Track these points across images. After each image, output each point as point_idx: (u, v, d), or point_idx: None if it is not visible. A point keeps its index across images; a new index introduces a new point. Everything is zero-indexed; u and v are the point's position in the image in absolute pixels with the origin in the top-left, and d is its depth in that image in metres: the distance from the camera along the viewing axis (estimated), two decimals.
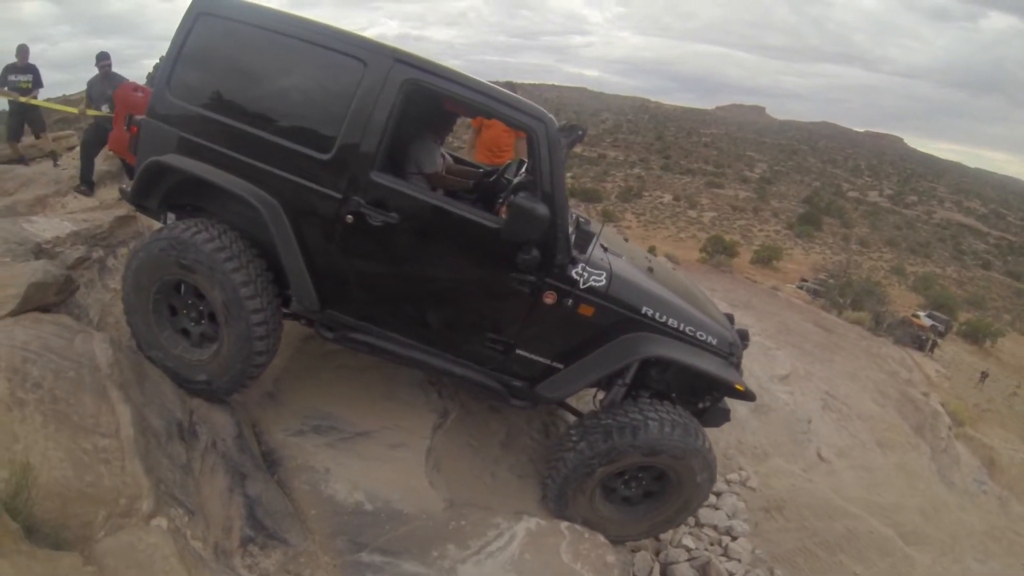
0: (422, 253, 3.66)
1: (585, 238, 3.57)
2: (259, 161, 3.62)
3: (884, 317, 28.03)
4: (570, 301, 3.63)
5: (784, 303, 24.70)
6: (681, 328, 3.81)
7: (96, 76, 7.29)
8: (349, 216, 3.56)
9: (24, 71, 8.44)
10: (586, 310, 3.67)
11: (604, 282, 3.66)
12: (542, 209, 3.30)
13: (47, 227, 5.66)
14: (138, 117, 3.93)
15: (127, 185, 4.32)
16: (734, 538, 5.89)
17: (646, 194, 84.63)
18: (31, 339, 3.21)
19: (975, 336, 40.42)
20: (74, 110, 7.70)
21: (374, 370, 4.49)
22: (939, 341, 31.86)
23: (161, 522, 2.76)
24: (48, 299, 3.88)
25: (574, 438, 3.84)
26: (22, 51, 8.41)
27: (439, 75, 3.57)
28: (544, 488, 4.08)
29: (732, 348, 4.00)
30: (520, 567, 3.47)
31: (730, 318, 4.49)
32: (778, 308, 22.15)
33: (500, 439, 4.52)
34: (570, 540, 3.68)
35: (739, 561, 5.69)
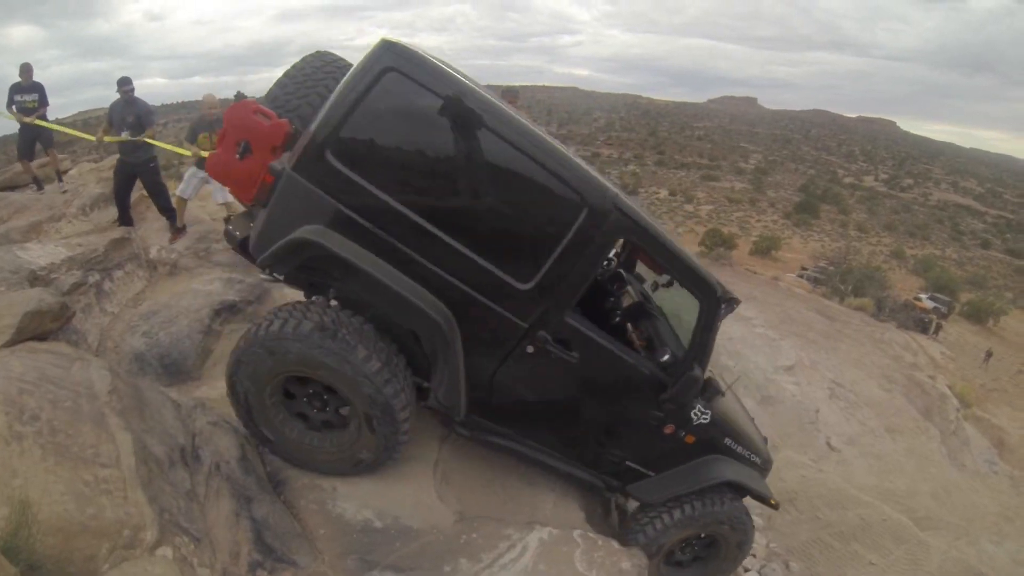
0: (585, 386, 3.90)
1: (712, 387, 4.07)
2: (442, 269, 3.36)
3: (886, 302, 28.05)
4: (683, 433, 4.19)
5: (785, 293, 24.71)
6: (745, 454, 4.49)
7: (118, 101, 7.15)
8: (530, 347, 3.59)
9: (30, 90, 8.28)
10: (690, 439, 4.23)
11: (708, 420, 4.20)
12: (701, 377, 3.90)
13: (42, 254, 5.63)
14: (279, 167, 3.35)
15: (233, 226, 3.92)
16: None
17: (642, 190, 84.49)
18: (28, 370, 3.15)
19: (978, 316, 40.27)
20: (91, 137, 7.53)
21: None
22: (942, 323, 31.77)
23: (166, 552, 2.71)
24: (44, 327, 3.84)
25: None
26: (26, 70, 8.24)
27: (648, 234, 3.67)
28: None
29: (767, 465, 4.73)
30: None
31: None
32: (780, 298, 22.17)
33: None
34: (584, 548, 3.64)
35: (754, 556, 5.66)
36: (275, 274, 3.54)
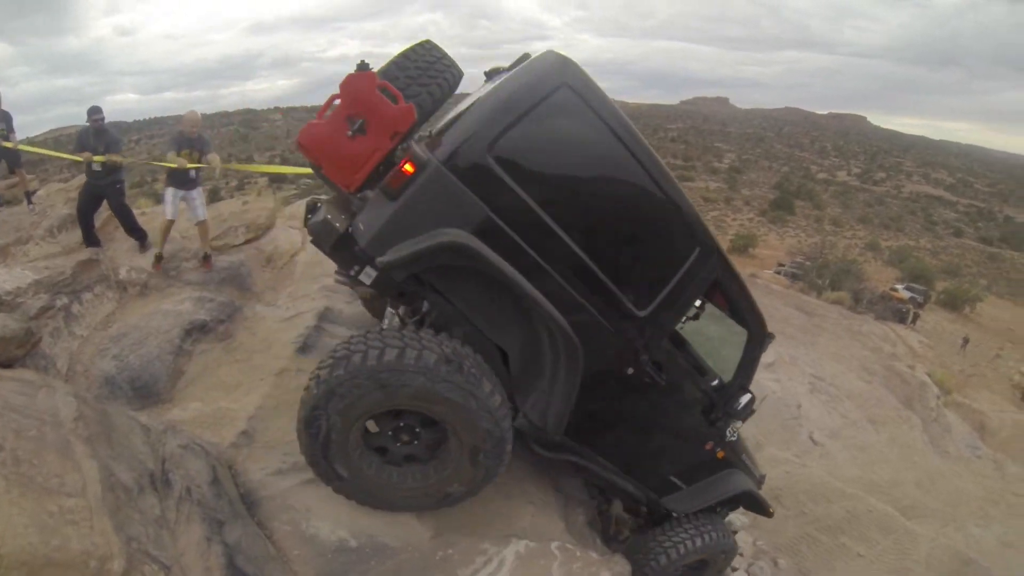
0: (662, 407, 4.20)
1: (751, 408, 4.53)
2: (575, 290, 3.38)
3: (863, 294, 28.38)
4: (718, 449, 4.65)
5: (764, 289, 24.90)
6: (752, 469, 5.11)
7: (87, 129, 6.95)
8: (631, 369, 3.77)
9: None
10: (720, 454, 4.71)
11: (736, 438, 4.69)
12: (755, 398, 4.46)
13: (7, 278, 5.51)
14: (425, 157, 3.07)
15: (331, 216, 3.49)
16: (734, 532, 5.84)
17: None
18: None
19: (954, 303, 41.01)
20: (77, 158, 7.27)
21: None
22: (919, 312, 32.17)
23: None
24: (9, 354, 3.75)
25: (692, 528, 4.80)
26: None
27: (734, 274, 4.04)
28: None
29: (763, 480, 5.31)
30: None
31: None
32: (758, 295, 22.26)
33: None
34: (562, 560, 3.61)
35: (741, 555, 5.66)
36: (363, 277, 3.31)
